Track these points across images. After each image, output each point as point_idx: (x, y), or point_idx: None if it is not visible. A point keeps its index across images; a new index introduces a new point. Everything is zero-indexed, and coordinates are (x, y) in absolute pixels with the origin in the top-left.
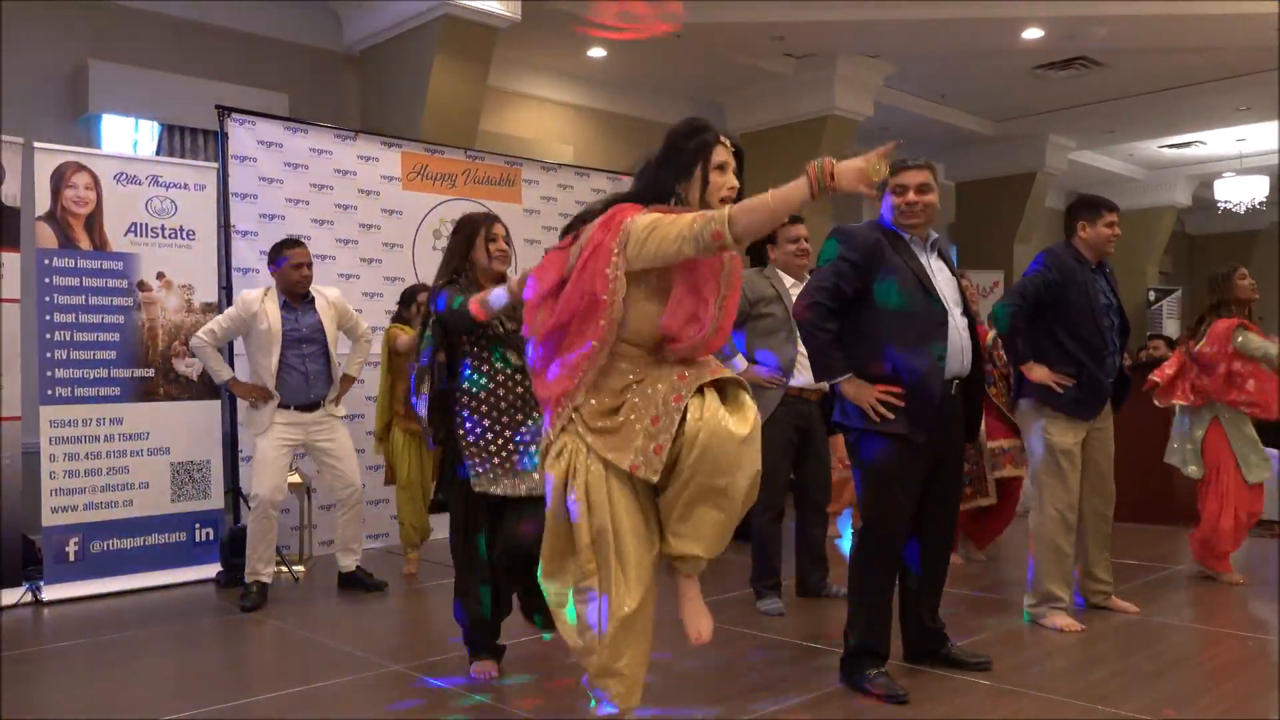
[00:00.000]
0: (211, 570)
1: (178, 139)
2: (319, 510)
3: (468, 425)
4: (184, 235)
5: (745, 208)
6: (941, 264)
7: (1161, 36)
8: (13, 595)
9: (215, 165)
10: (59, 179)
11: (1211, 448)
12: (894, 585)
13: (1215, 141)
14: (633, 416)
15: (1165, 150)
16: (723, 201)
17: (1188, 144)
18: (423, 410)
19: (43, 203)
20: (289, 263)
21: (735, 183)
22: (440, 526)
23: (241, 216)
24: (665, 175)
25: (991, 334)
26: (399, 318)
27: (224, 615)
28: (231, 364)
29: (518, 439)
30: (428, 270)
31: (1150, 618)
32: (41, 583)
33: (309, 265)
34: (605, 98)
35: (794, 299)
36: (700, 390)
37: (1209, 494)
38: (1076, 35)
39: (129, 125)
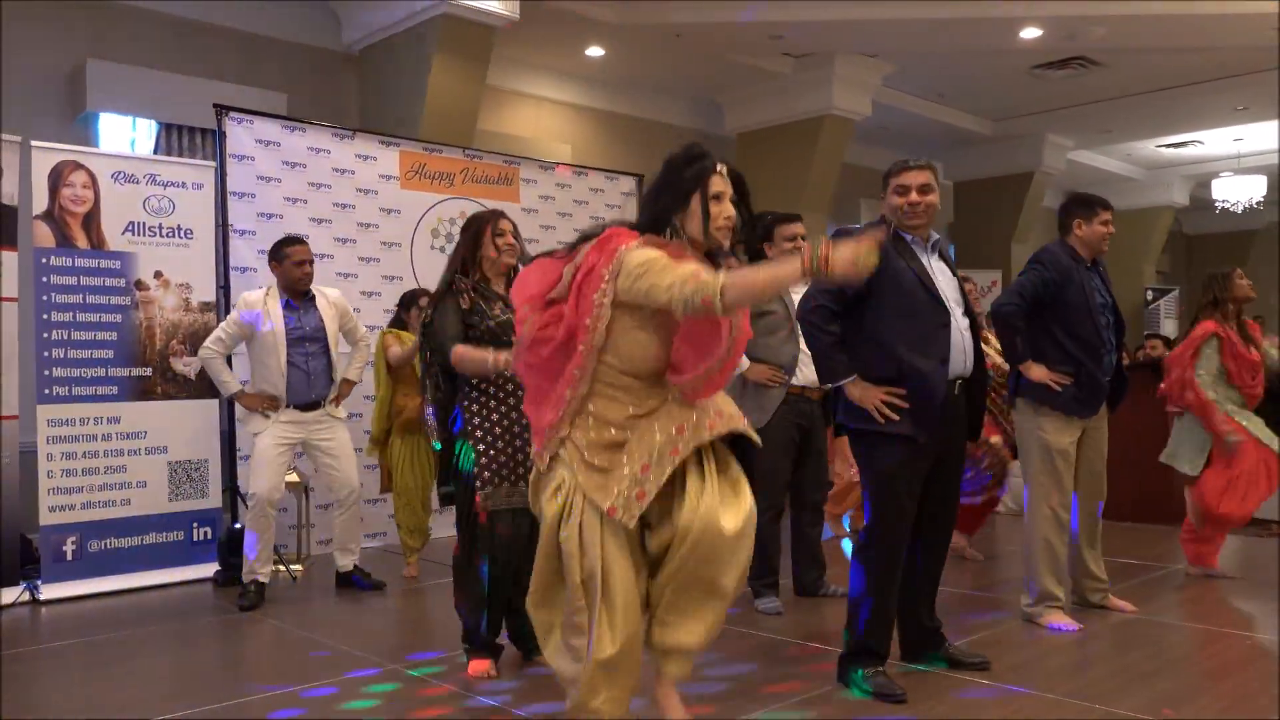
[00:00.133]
0: (209, 569)
1: (175, 138)
2: (317, 510)
3: (475, 421)
4: (182, 234)
5: (738, 284)
6: (942, 265)
7: (1159, 36)
8: (10, 594)
9: (213, 164)
10: (56, 178)
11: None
12: (896, 585)
13: (1213, 141)
14: (624, 459)
15: (1163, 150)
16: (718, 231)
17: (1185, 143)
18: (434, 421)
19: (40, 201)
20: (291, 260)
21: (732, 212)
22: (440, 527)
23: (239, 215)
24: (662, 204)
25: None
26: (396, 321)
27: (221, 615)
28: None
29: (519, 440)
30: (425, 269)
31: (1148, 617)
32: (39, 582)
33: (310, 262)
34: (603, 97)
35: (793, 296)
36: (700, 459)
37: (1215, 467)
38: (1075, 35)
39: (127, 124)
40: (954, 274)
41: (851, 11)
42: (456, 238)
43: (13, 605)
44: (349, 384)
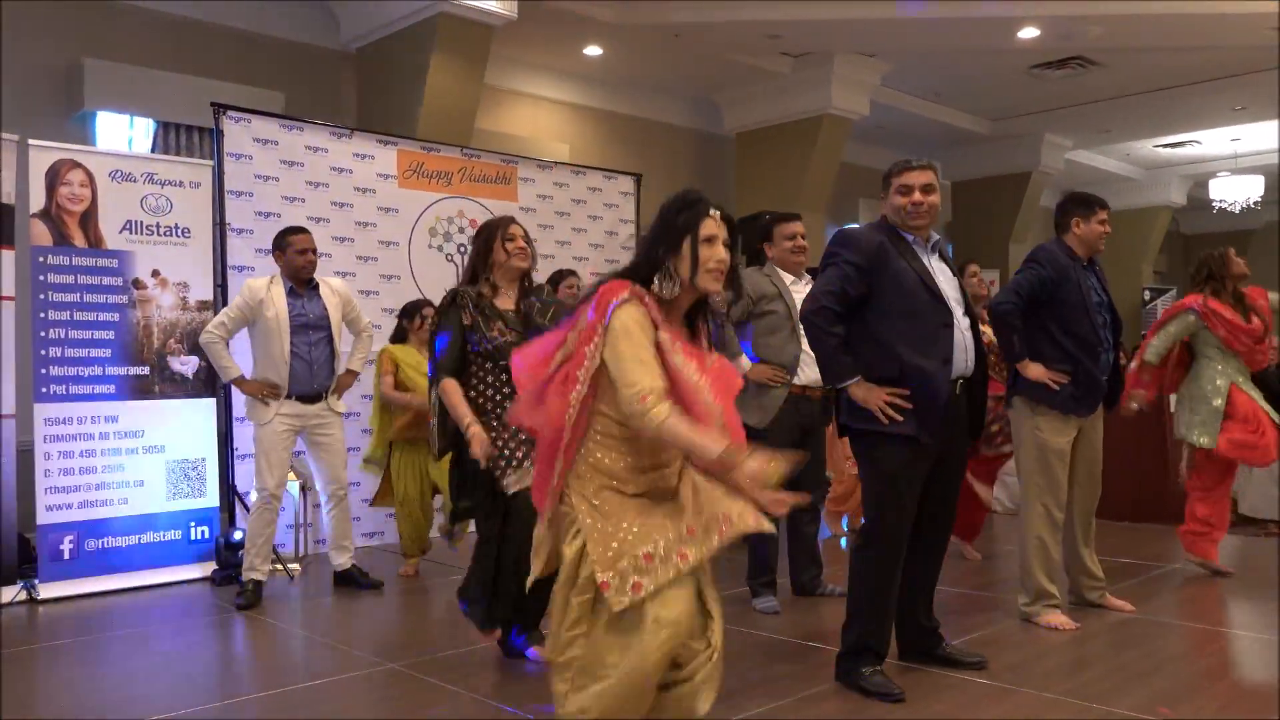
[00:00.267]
0: (207, 568)
1: (173, 136)
2: (315, 509)
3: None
4: (179, 233)
5: (672, 429)
6: (943, 265)
7: (1157, 36)
8: (8, 593)
9: (211, 163)
10: (54, 176)
11: (1237, 402)
12: (896, 585)
13: (1210, 141)
14: (627, 514)
15: (1161, 150)
16: (708, 274)
17: (1183, 143)
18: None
19: (37, 200)
20: (293, 248)
21: (724, 255)
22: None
23: (237, 214)
24: (655, 249)
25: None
26: (399, 332)
27: (219, 613)
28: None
29: (521, 437)
30: (423, 267)
31: (1145, 616)
32: (36, 581)
33: (314, 251)
34: (601, 96)
35: (794, 295)
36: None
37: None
38: (1072, 35)
39: (124, 122)
40: (954, 274)
41: (850, 11)
42: (454, 237)
43: (10, 604)
44: (351, 374)
